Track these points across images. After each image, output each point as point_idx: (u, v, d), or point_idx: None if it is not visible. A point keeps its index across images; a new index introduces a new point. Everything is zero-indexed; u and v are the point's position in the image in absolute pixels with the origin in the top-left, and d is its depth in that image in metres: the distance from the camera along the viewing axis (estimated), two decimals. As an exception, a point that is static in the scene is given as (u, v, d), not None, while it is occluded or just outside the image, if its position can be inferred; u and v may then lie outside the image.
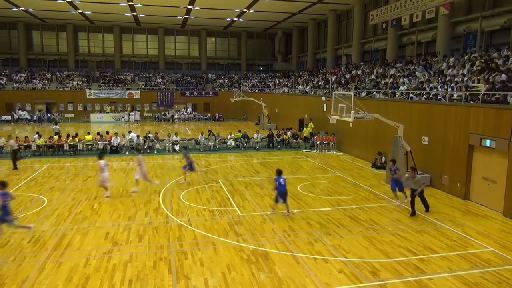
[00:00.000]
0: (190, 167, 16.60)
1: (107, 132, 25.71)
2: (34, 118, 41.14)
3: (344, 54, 38.61)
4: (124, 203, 13.66)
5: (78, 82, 47.59)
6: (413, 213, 12.39)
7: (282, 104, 36.95)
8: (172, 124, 42.03)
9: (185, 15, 42.91)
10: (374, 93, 23.12)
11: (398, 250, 9.82)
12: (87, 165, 20.39)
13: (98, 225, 11.44)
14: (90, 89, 46.15)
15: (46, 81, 46.71)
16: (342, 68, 34.67)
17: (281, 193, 12.09)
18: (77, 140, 23.75)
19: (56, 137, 24.32)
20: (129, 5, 37.61)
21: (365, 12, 33.82)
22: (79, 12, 41.14)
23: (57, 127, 30.01)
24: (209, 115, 46.92)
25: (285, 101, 36.56)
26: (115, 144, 23.75)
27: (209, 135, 26.16)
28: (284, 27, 49.50)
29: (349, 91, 19.62)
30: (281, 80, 45.95)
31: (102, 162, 14.23)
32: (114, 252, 9.54)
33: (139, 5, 37.39)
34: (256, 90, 46.83)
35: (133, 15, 42.84)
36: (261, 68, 56.62)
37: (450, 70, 19.04)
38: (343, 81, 29.50)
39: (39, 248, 9.74)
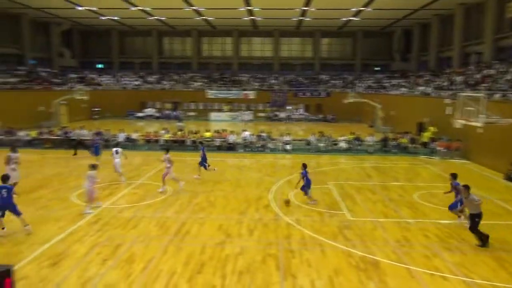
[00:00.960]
0: (202, 164, 17.04)
1: (224, 130, 27.30)
2: (162, 115, 45.77)
3: (473, 52, 34.76)
4: (237, 198, 14.35)
5: (200, 83, 51.54)
6: None
7: (399, 106, 34.86)
8: (285, 124, 42.84)
9: (300, 17, 43.33)
10: (511, 95, 20.35)
11: (536, 276, 8.49)
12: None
13: (213, 217, 12.23)
14: (210, 89, 49.61)
15: (173, 82, 51.62)
16: (471, 67, 31.26)
17: (308, 185, 13.40)
18: (197, 137, 25.74)
19: (179, 133, 26.72)
20: (248, 9, 39.43)
21: (500, 3, 29.93)
22: (203, 18, 44.54)
23: (181, 124, 32.92)
24: (321, 116, 46.63)
25: (403, 103, 34.38)
26: (230, 142, 25.11)
27: (320, 136, 26.00)
28: (403, 24, 46.62)
29: (479, 93, 17.60)
30: (398, 80, 43.39)
31: (166, 156, 15.06)
32: (227, 244, 10.09)
33: (257, 9, 38.94)
34: (371, 91, 45.02)
35: (250, 19, 44.78)
36: (377, 68, 54.20)
37: None
38: (471, 82, 26.59)
39: (163, 233, 10.80)
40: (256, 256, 9.37)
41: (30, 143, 25.16)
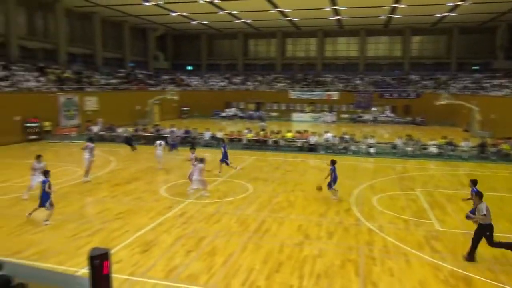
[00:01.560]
0: (224, 160, 17.75)
1: (306, 131, 27.17)
2: (246, 115, 47.01)
3: None
4: (317, 199, 14.18)
5: (283, 84, 51.92)
6: None
7: (501, 109, 31.53)
8: (370, 126, 41.34)
9: (388, 15, 41.41)
10: None
11: None
12: (287, 160, 22.04)
13: (292, 217, 12.23)
14: (293, 90, 49.72)
15: (257, 83, 52.71)
16: None
17: (335, 180, 13.84)
18: (279, 137, 25.97)
19: (262, 132, 27.20)
20: (334, 9, 38.74)
21: None
22: (287, 19, 44.78)
23: (264, 123, 33.49)
24: (409, 118, 44.09)
25: (506, 105, 31.06)
26: (312, 143, 24.91)
27: (408, 139, 24.59)
28: (508, 18, 42.05)
29: None
30: (501, 81, 39.26)
31: (193, 155, 15.14)
32: (305, 245, 10.02)
33: (343, 8, 38.08)
34: (467, 92, 41.38)
35: (336, 18, 43.94)
36: (476, 68, 49.61)
37: None
38: None
39: (243, 229, 11.08)
40: (335, 260, 9.17)
41: (127, 139, 27.49)
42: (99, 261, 5.15)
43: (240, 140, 26.38)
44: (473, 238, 9.22)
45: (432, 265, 8.98)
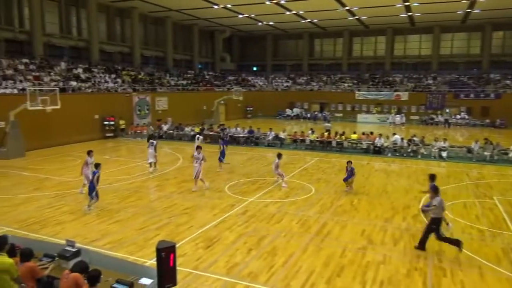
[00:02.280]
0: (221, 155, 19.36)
1: (371, 133, 26.29)
2: (310, 116, 46.57)
3: None
4: (382, 204, 13.67)
5: (349, 84, 50.67)
6: None
7: None
8: (442, 128, 38.94)
9: (467, 9, 38.66)
10: None
11: None
12: (350, 162, 21.46)
13: (355, 221, 11.90)
14: (359, 90, 48.34)
15: (322, 84, 51.99)
16: None
17: (350, 177, 14.96)
18: (343, 138, 25.39)
19: (326, 134, 26.78)
20: (405, 5, 37.01)
21: None
22: (355, 18, 43.61)
23: (329, 124, 32.97)
24: (487, 120, 40.84)
25: None
26: (378, 145, 24.04)
27: (485, 143, 22.80)
28: None
29: None
30: None
31: (199, 155, 15.05)
32: (368, 250, 9.71)
33: (415, 4, 36.24)
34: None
35: (407, 15, 41.94)
36: None
37: None
38: None
39: (304, 231, 11.00)
40: (400, 267, 8.77)
41: (194, 138, 28.56)
42: (166, 254, 5.42)
43: (303, 140, 26.20)
44: (425, 230, 9.72)
45: (510, 280, 8.24)
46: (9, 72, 26.07)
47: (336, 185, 16.22)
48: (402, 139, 24.26)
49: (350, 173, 15.08)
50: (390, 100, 46.26)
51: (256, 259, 9.12)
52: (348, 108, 48.18)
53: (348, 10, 39.77)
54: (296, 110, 48.62)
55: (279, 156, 15.98)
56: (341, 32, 52.55)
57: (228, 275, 8.34)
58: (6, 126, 21.69)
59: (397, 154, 23.42)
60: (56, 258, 6.87)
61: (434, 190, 9.69)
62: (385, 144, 24.22)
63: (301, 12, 41.03)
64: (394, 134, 25.65)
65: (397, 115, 43.22)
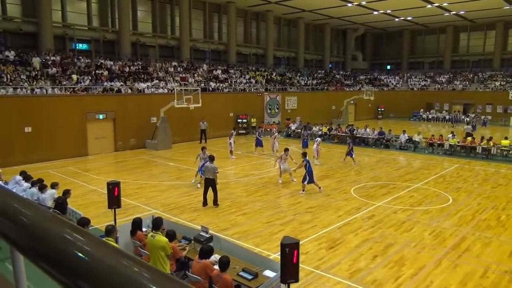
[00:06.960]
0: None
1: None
2: (450, 118, 42.12)
3: None
4: (539, 223, 11.63)
5: (501, 82, 44.33)
6: None
7: None
8: None
9: None
10: None
11: None
12: (499, 172, 18.82)
13: (502, 239, 10.38)
14: (514, 90, 41.97)
15: (467, 82, 46.60)
16: None
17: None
18: (491, 144, 22.37)
19: (469, 138, 23.95)
20: None
21: None
22: (513, 6, 37.92)
23: (470, 127, 29.43)
24: None
25: None
26: (536, 154, 20.53)
27: None
28: None
29: None
30: None
31: (205, 155, 14.44)
32: (518, 275, 8.37)
33: None
34: None
35: None
36: None
37: None
38: None
39: (438, 244, 10.03)
40: (561, 301, 7.35)
41: (321, 137, 28.50)
42: (290, 250, 5.55)
43: (441, 145, 23.88)
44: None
45: None
46: (162, 74, 29.82)
47: (480, 196, 14.39)
48: None
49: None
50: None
51: (382, 267, 8.67)
52: (499, 110, 42.20)
53: (504, -2, 34.81)
54: (435, 112, 44.56)
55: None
56: (494, 24, 46.20)
57: (350, 279, 8.10)
58: (157, 121, 24.85)
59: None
60: (192, 242, 7.63)
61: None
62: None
63: (445, 4, 37.41)
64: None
65: None
